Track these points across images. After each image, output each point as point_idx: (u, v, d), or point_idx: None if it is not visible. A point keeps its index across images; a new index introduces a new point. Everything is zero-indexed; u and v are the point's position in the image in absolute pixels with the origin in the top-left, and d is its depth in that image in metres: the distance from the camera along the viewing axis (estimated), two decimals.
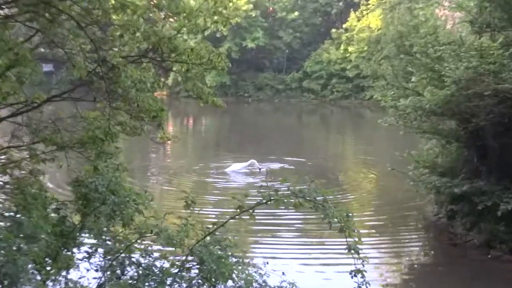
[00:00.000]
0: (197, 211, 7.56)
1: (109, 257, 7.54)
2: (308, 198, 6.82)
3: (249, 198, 7.12)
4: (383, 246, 16.57)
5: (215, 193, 22.17)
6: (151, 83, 7.66)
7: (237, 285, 7.25)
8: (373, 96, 20.85)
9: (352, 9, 76.03)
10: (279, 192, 6.92)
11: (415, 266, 15.34)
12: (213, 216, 7.54)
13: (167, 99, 69.88)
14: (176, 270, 7.30)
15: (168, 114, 7.87)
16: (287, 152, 32.35)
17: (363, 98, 69.96)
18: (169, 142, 8.52)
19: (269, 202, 6.89)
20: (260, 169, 25.46)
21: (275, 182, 7.17)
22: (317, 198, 6.85)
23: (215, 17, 7.75)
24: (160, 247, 7.45)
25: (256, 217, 7.15)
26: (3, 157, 8.26)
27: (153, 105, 7.45)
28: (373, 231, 17.79)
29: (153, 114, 7.51)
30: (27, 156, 8.08)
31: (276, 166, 27.63)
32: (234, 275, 7.28)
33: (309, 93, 76.48)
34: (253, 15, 74.80)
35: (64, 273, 7.33)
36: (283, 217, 17.79)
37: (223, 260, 7.16)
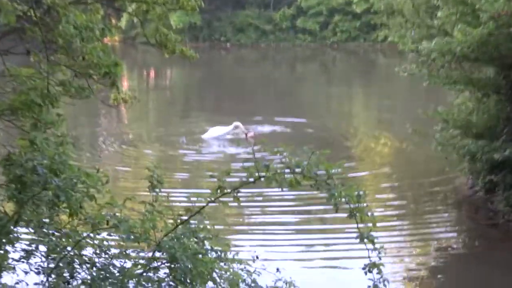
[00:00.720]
0: (165, 195, 7.57)
1: (53, 256, 7.51)
2: (307, 175, 6.81)
3: (232, 175, 7.12)
4: (404, 230, 16.74)
5: (187, 169, 22.21)
6: (100, 30, 7.51)
7: (220, 287, 7.30)
8: (388, 37, 20.83)
9: None
10: (270, 167, 6.89)
11: (445, 253, 15.53)
12: (186, 200, 7.37)
13: (120, 46, 69.54)
14: (141, 271, 7.31)
15: (123, 67, 7.83)
16: (280, 112, 32.46)
17: (374, 40, 69.88)
18: (125, 104, 8.51)
19: (258, 181, 6.87)
20: (246, 134, 25.49)
21: (265, 153, 7.28)
22: (320, 173, 6.83)
23: None
24: (119, 241, 7.47)
25: (242, 200, 7.19)
26: None
27: (105, 59, 7.33)
28: (392, 212, 17.96)
29: (105, 70, 7.41)
30: None
31: (266, 129, 27.72)
32: (215, 275, 7.30)
33: (305, 34, 76.39)
34: None
35: None
36: (276, 199, 17.90)
37: (201, 256, 7.18)
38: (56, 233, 7.67)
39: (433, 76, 17.98)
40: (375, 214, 7.01)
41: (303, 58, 68.60)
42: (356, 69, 60.92)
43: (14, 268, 7.56)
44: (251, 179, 6.90)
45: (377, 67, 60.92)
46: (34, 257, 7.58)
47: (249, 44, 76.11)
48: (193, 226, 7.48)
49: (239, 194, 7.08)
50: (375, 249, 6.72)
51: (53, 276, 7.39)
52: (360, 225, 6.71)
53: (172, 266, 7.20)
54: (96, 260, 7.52)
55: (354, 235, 6.76)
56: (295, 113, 32.29)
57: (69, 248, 7.48)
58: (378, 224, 6.89)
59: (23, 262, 7.57)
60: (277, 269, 8.45)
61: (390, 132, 28.33)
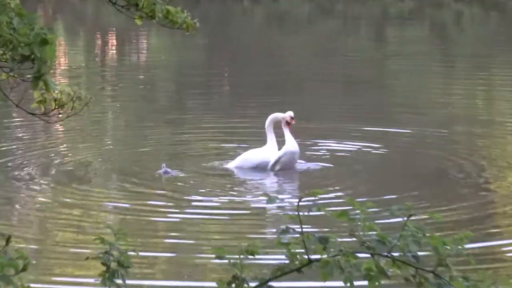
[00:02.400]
0: None
1: None
2: (399, 259, 4.89)
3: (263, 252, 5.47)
4: None
5: (174, 236, 12.29)
6: None
7: None
8: None
9: None
10: (330, 243, 4.87)
11: None
12: None
13: None
14: None
15: (59, 34, 5.45)
16: (357, 115, 21.21)
17: None
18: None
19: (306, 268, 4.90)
20: (288, 121, 15.59)
21: (321, 213, 4.58)
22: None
23: None
24: None
25: None
26: None
27: (24, 30, 5.37)
28: None
29: (24, 52, 5.34)
30: None
31: (329, 147, 17.54)
32: None
33: None
34: None
35: None
36: None
37: None
38: None
39: None
40: None
41: (399, 16, 49.46)
42: (501, 36, 41.45)
43: None
44: (293, 267, 4.90)
45: None
46: None
47: None
48: None
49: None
50: None
51: None
52: None
53: None
54: None
55: None
56: (387, 118, 21.44)
57: None
58: None
59: None
60: None
61: None
